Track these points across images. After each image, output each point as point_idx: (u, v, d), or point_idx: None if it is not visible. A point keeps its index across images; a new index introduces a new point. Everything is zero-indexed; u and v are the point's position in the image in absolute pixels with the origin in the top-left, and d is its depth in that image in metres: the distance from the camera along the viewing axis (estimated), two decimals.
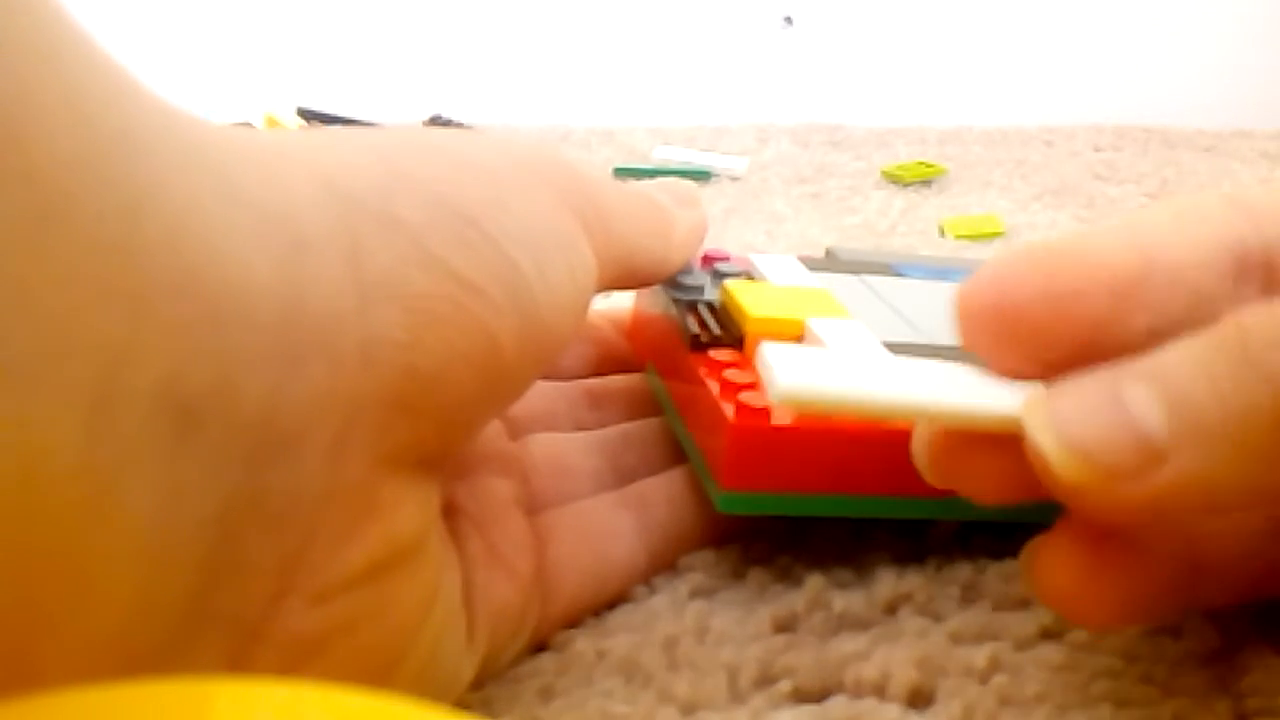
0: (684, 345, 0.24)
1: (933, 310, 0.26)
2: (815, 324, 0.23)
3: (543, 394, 0.26)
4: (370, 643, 0.17)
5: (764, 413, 0.21)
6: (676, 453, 0.25)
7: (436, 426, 0.17)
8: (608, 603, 0.22)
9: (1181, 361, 0.16)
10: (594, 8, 0.81)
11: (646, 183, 0.25)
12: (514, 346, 0.18)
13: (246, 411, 0.15)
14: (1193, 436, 0.16)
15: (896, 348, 0.23)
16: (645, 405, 0.27)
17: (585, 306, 0.20)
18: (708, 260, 0.28)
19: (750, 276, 0.27)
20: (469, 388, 0.17)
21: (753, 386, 0.22)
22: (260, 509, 0.15)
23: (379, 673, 0.17)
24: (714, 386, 0.22)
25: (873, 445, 0.22)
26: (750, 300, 0.24)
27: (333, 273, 0.16)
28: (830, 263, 0.30)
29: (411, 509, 0.17)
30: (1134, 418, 0.16)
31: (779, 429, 0.21)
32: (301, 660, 0.16)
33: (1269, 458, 0.16)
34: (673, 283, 0.26)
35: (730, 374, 0.22)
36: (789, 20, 0.81)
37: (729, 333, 0.24)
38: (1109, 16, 0.82)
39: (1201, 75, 0.82)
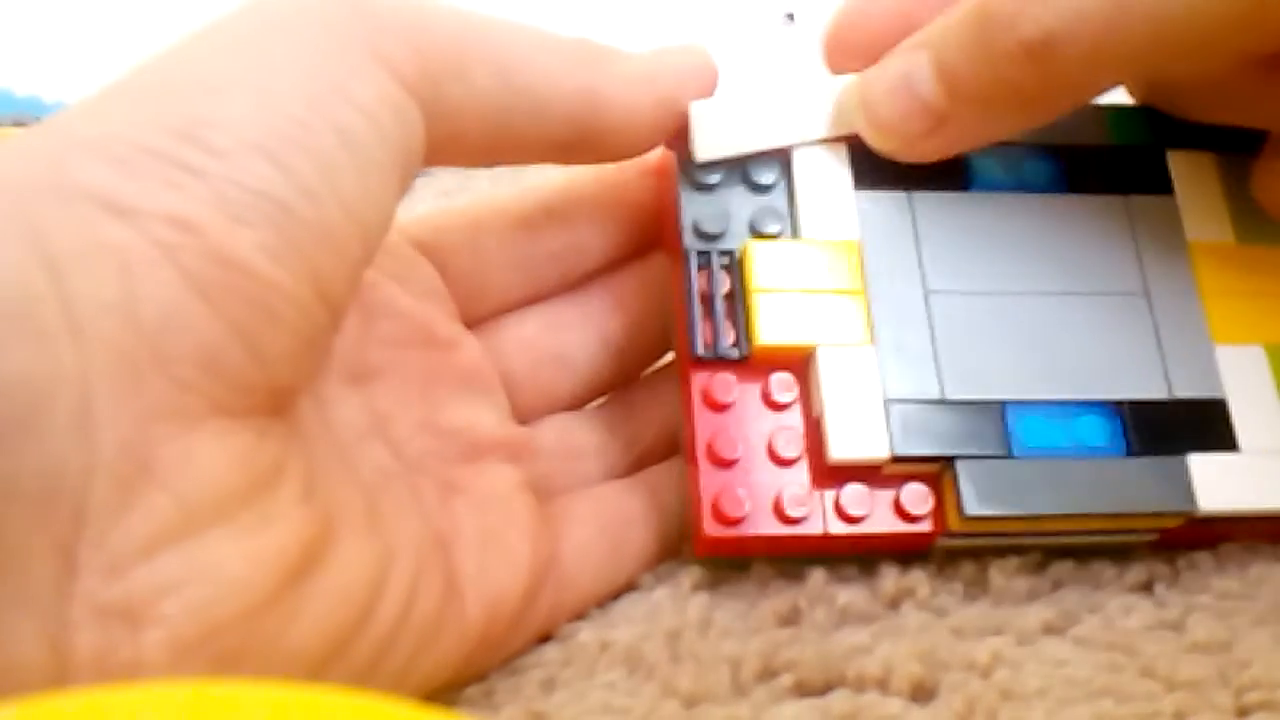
0: (686, 341, 0.22)
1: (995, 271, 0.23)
2: (824, 357, 0.22)
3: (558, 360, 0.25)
4: (212, 598, 0.16)
5: (739, 520, 0.21)
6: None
7: (206, 369, 0.16)
8: (621, 590, 0.22)
9: (946, 33, 0.21)
10: (594, 5, 0.81)
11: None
12: (273, 258, 0.17)
13: None
14: (960, 102, 0.21)
15: (898, 403, 0.21)
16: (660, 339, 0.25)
17: (392, 157, 0.19)
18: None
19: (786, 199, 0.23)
20: (229, 319, 0.17)
21: (736, 462, 0.21)
22: (14, 497, 0.15)
23: (250, 625, 0.17)
24: (700, 443, 0.22)
25: (840, 544, 0.22)
26: (762, 309, 0.22)
27: (8, 258, 0.15)
28: (884, 169, 0.23)
29: (217, 462, 0.17)
30: (919, 92, 0.22)
31: (751, 538, 0.21)
32: (133, 626, 0.16)
33: (1022, 108, 0.22)
34: (696, 229, 0.23)
35: (723, 424, 0.22)
36: (791, 17, 0.81)
37: (738, 336, 0.22)
38: None
39: None
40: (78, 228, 0.16)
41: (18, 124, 0.60)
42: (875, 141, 0.23)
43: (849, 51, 0.23)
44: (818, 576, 0.22)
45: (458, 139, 0.20)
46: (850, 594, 0.22)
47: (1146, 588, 0.22)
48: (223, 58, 0.18)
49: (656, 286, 0.25)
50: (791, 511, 0.21)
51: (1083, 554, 0.23)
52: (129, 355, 0.16)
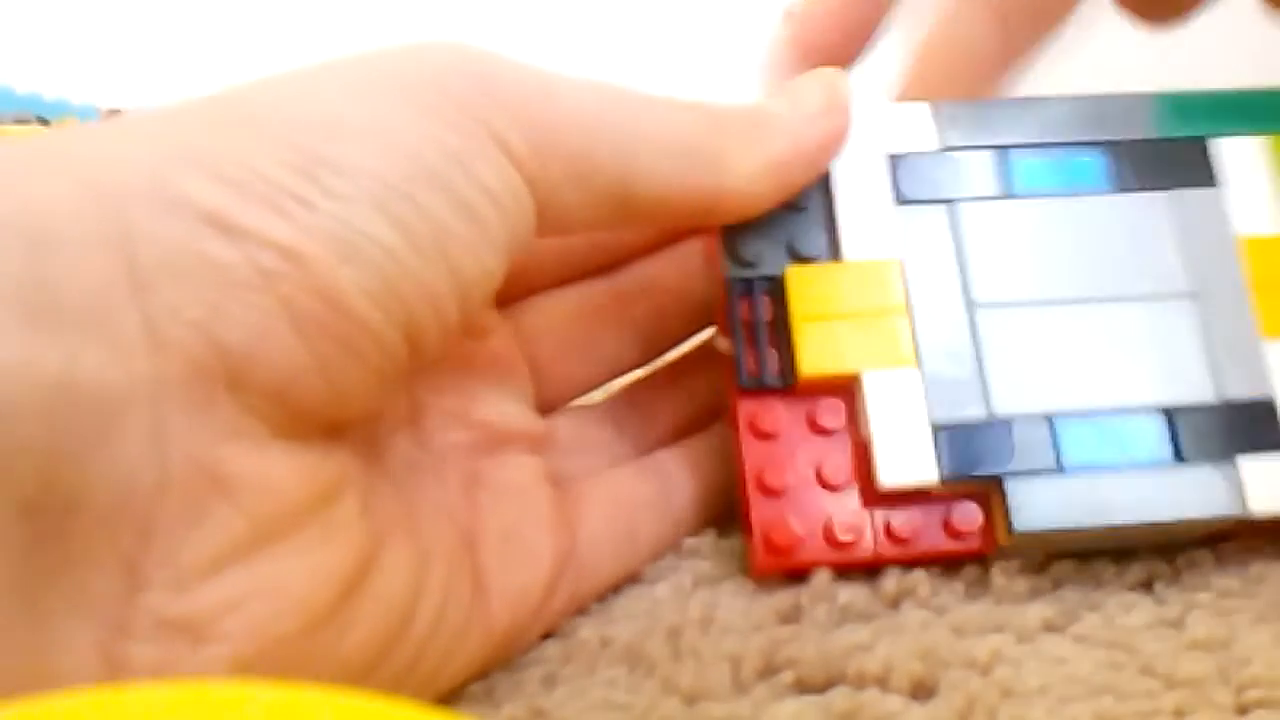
0: (732, 366, 0.22)
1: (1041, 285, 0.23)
2: (869, 383, 0.22)
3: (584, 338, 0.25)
4: (274, 615, 0.16)
5: (791, 548, 0.22)
6: (690, 403, 0.25)
7: (275, 395, 0.16)
8: (637, 574, 0.23)
9: None
10: (594, 3, 0.81)
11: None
12: (372, 300, 0.17)
13: (21, 410, 0.15)
14: None
15: (946, 427, 0.21)
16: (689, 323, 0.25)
17: (507, 236, 0.18)
18: None
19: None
20: (316, 352, 0.17)
21: (786, 490, 0.22)
22: (82, 507, 0.15)
23: (308, 639, 0.17)
24: (750, 473, 0.22)
25: (890, 562, 0.22)
26: (806, 338, 0.22)
27: (93, 264, 0.15)
28: (923, 170, 0.23)
29: (282, 481, 0.17)
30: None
31: (803, 563, 0.22)
32: (194, 642, 0.16)
33: None
34: (735, 254, 0.23)
35: (771, 453, 0.22)
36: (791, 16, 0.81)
37: (783, 366, 0.22)
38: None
39: (1205, 67, 0.82)
40: (176, 238, 0.16)
41: (19, 121, 0.60)
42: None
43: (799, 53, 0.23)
44: (820, 575, 0.22)
45: (568, 226, 0.20)
46: (851, 592, 0.22)
47: (1146, 586, 0.22)
48: (345, 103, 0.18)
49: (686, 270, 0.25)
50: (842, 537, 0.21)
51: (1083, 553, 0.23)
52: (206, 372, 0.16)
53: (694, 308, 0.25)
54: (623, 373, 0.25)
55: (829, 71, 0.23)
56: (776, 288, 0.22)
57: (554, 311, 0.24)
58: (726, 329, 0.23)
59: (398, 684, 0.18)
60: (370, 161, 0.17)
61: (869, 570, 0.22)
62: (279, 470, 0.17)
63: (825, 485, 0.22)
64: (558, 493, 0.23)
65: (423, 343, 0.18)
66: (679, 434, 0.25)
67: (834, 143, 0.22)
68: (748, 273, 0.23)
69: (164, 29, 0.76)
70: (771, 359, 0.22)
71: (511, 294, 0.24)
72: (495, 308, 0.24)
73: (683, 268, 0.25)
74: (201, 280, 0.16)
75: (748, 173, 0.21)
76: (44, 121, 0.61)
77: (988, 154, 0.23)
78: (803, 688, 0.20)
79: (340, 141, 0.17)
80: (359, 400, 0.18)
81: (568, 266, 0.25)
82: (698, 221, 0.22)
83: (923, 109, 0.24)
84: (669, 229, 0.25)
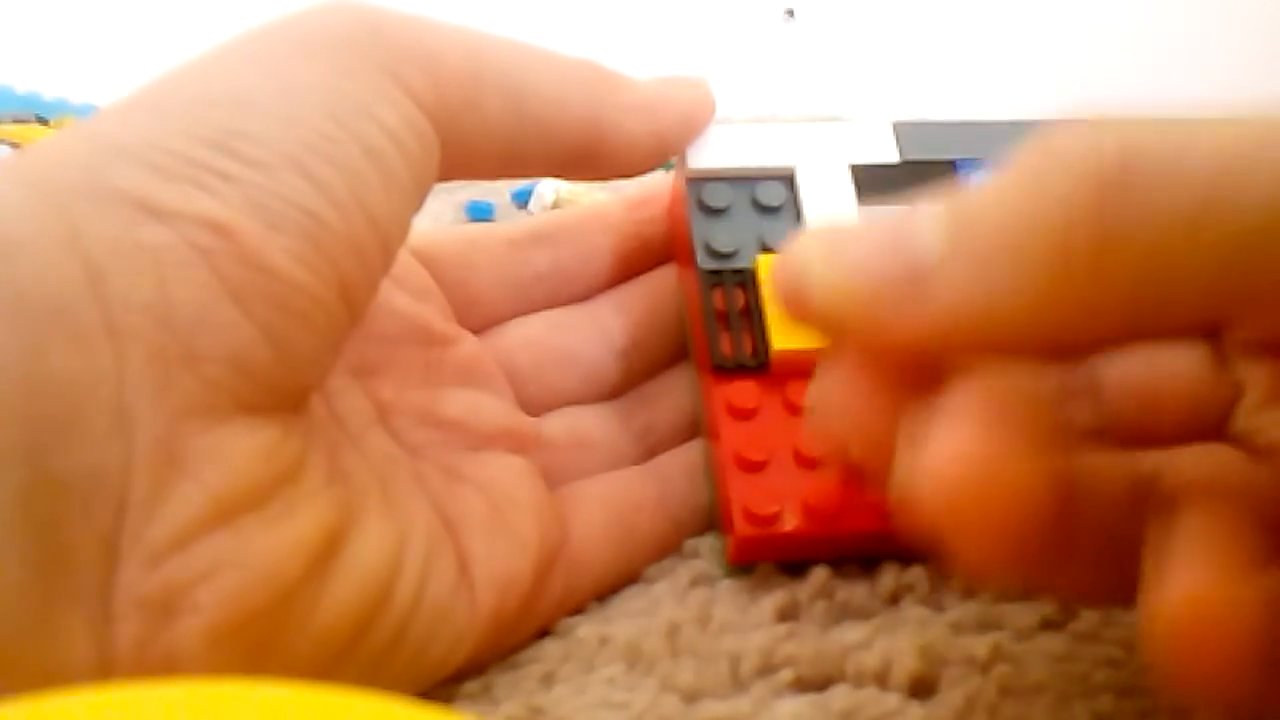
0: (707, 352, 0.23)
1: None
2: None
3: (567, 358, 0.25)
4: (244, 586, 0.17)
5: (771, 519, 0.21)
6: (691, 400, 0.25)
7: (235, 368, 0.17)
8: (637, 574, 0.23)
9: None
10: (594, 2, 0.81)
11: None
12: (302, 263, 0.17)
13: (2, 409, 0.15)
14: (968, 252, 0.15)
15: None
16: (671, 334, 0.25)
17: (415, 176, 0.19)
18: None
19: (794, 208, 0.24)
20: (259, 321, 0.17)
21: (764, 465, 0.22)
22: (67, 494, 0.16)
23: (280, 610, 0.17)
24: (728, 450, 0.22)
25: (872, 540, 0.22)
26: (778, 315, 0.22)
27: (51, 260, 0.16)
28: (884, 179, 0.25)
29: (244, 456, 0.17)
30: (906, 238, 0.15)
31: (785, 534, 0.22)
32: (170, 616, 0.16)
33: (1052, 280, 0.14)
34: (709, 248, 0.24)
35: (748, 431, 0.22)
36: (791, 14, 0.81)
37: (756, 346, 0.23)
38: (1112, 11, 0.82)
39: (1202, 71, 0.82)
40: (115, 228, 0.16)
41: (18, 120, 0.60)
42: (825, 287, 0.17)
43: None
44: (818, 572, 0.22)
45: (470, 160, 0.21)
46: (850, 589, 0.22)
47: None
48: (252, 74, 0.19)
49: (662, 297, 0.25)
50: (821, 509, 0.21)
51: None
52: (161, 353, 0.16)
53: (671, 326, 0.25)
54: (606, 386, 0.25)
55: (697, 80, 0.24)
56: (748, 280, 0.23)
57: (529, 328, 0.25)
58: (699, 322, 0.23)
59: (382, 661, 0.19)
60: (280, 125, 0.18)
61: (865, 565, 0.22)
62: (239, 446, 0.17)
63: (802, 462, 0.22)
64: (550, 488, 0.23)
65: (355, 297, 0.19)
66: (681, 436, 0.25)
67: (702, 107, 0.24)
68: (721, 264, 0.23)
69: (164, 29, 0.76)
70: (745, 342, 0.23)
71: (470, 322, 0.24)
72: (458, 325, 0.24)
73: (655, 290, 0.26)
74: (145, 264, 0.16)
75: (626, 103, 0.22)
76: (43, 120, 0.61)
77: (943, 166, 0.25)
78: (802, 686, 0.20)
79: (250, 111, 0.18)
80: (308, 365, 0.18)
81: (518, 297, 0.25)
82: (585, 148, 0.22)
83: (885, 126, 0.25)
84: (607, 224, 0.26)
